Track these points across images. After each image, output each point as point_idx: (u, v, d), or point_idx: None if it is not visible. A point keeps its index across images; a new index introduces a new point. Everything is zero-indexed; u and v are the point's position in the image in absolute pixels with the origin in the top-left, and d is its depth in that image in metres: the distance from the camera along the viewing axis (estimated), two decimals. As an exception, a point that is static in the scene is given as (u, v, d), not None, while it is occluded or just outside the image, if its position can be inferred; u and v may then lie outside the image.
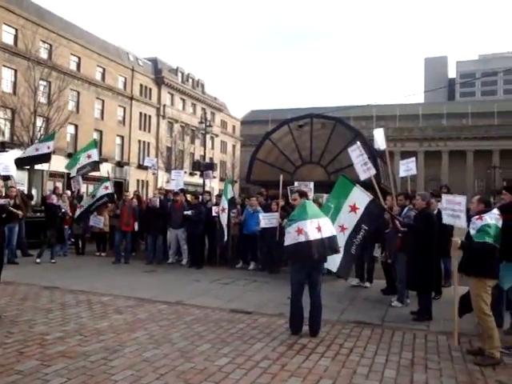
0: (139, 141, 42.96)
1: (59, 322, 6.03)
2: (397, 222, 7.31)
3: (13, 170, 12.66)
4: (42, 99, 27.62)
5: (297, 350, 5.18)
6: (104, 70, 38.29)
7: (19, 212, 8.27)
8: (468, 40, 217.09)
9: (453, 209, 4.99)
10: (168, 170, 46.44)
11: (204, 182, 13.68)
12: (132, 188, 39.94)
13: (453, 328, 5.58)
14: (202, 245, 11.32)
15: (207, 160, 41.27)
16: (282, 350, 5.18)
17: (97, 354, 4.76)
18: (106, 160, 37.38)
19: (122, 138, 41.00)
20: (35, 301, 7.22)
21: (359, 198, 6.99)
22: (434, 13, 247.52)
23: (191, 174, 44.37)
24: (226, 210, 10.78)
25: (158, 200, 11.41)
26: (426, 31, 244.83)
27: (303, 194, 6.22)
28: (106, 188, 12.17)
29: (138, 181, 42.43)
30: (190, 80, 51.12)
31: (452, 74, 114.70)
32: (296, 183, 10.81)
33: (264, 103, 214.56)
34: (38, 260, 10.94)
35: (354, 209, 7.04)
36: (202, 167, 34.69)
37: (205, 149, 38.62)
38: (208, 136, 47.89)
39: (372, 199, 6.98)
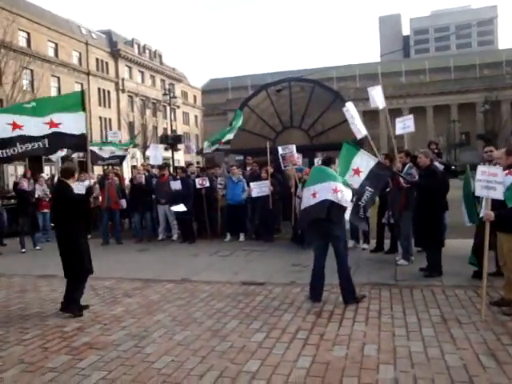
0: (100, 117, 41.47)
1: (70, 311, 5.74)
2: (401, 180, 7.28)
3: None
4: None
5: (327, 318, 5.11)
6: (56, 45, 36.39)
7: None
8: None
9: (487, 180, 4.85)
10: (133, 145, 45.34)
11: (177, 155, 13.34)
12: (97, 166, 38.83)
13: (480, 292, 5.39)
14: (190, 218, 11.02)
15: (171, 133, 40.37)
16: (312, 319, 5.10)
17: (126, 343, 4.54)
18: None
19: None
20: (36, 291, 6.87)
21: (363, 162, 6.82)
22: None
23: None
24: None
25: (143, 176, 11.01)
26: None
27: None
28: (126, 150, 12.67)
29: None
30: (147, 51, 49.41)
31: (406, 31, 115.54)
32: (279, 148, 10.59)
33: (223, 71, 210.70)
34: (23, 250, 10.44)
35: (356, 172, 6.86)
36: (170, 140, 34.07)
37: (171, 121, 37.69)
38: (169, 108, 46.88)
39: (377, 161, 6.85)
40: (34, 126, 5.67)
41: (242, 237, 10.69)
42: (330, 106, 13.17)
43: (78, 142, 5.91)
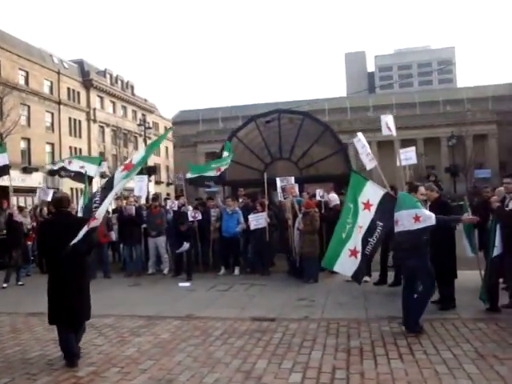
0: (70, 147, 40.49)
1: (78, 353, 5.29)
2: None
3: None
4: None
5: (358, 355, 4.89)
6: (27, 73, 35.67)
7: None
8: (384, 35, 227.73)
9: None
10: (103, 176, 44.46)
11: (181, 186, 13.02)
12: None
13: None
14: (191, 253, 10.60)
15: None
16: (343, 356, 4.87)
17: (154, 388, 4.17)
18: (36, 169, 35.01)
19: (52, 145, 38.48)
20: (31, 331, 6.35)
21: (372, 194, 6.64)
22: (352, 10, 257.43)
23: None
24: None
25: (133, 208, 10.62)
26: (345, 28, 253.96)
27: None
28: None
29: (71, 189, 40.10)
30: (119, 82, 49.08)
31: (371, 67, 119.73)
32: (278, 179, 10.48)
33: (192, 103, 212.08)
34: (5, 285, 9.79)
35: (367, 206, 6.68)
36: (144, 171, 33.53)
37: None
38: (141, 139, 46.42)
39: (385, 192, 6.73)
40: None
41: (236, 270, 10.38)
42: (320, 137, 13.25)
43: None
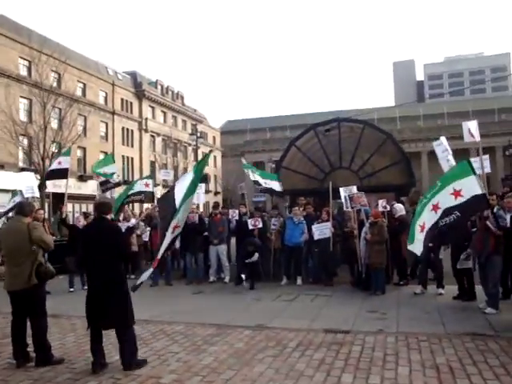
0: (123, 156, 41.75)
1: (156, 359, 5.31)
2: (489, 224, 6.88)
3: (36, 192, 11.84)
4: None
5: (448, 372, 4.67)
6: (85, 85, 37.10)
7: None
8: (433, 43, 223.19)
9: None
10: (156, 184, 45.45)
11: (243, 195, 13.15)
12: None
13: None
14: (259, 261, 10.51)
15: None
16: (432, 373, 4.66)
17: (242, 398, 4.09)
18: (91, 177, 36.14)
19: (106, 154, 39.71)
20: (105, 336, 6.42)
21: (469, 187, 6.36)
22: (401, 18, 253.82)
23: (164, 187, 43.62)
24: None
25: (197, 216, 10.69)
26: (394, 36, 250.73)
27: None
28: (147, 185, 11.37)
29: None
30: (170, 92, 50.24)
31: (420, 76, 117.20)
32: (341, 189, 10.28)
33: (239, 113, 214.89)
34: (72, 289, 10.05)
35: (456, 194, 6.45)
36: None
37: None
38: (190, 148, 47.25)
39: (483, 194, 6.37)
40: None
41: (299, 280, 10.21)
42: (381, 146, 12.94)
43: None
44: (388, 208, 10.36)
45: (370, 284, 9.09)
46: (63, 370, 4.95)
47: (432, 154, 56.14)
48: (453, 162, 7.17)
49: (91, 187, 35.03)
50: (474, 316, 7.05)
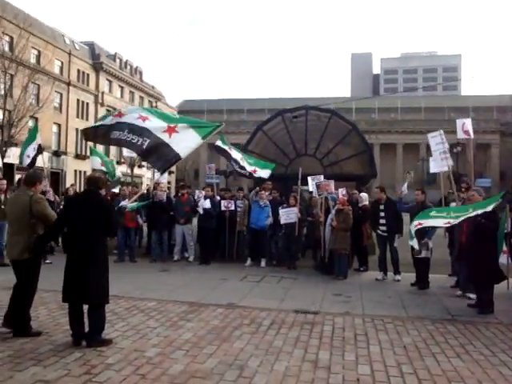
0: (76, 129, 40.33)
1: (135, 333, 5.37)
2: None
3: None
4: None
5: (415, 351, 5.00)
6: (39, 52, 35.45)
7: None
8: (391, 38, 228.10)
9: None
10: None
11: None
12: (70, 179, 37.67)
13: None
14: (213, 240, 10.73)
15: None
16: (402, 351, 5.00)
17: (229, 372, 4.26)
18: (43, 149, 34.84)
19: (59, 125, 38.42)
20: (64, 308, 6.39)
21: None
22: (360, 11, 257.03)
23: (118, 163, 42.97)
24: None
25: (164, 194, 10.68)
26: (354, 28, 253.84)
27: None
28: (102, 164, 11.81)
29: (75, 171, 40.09)
30: (128, 67, 48.94)
31: (376, 70, 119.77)
32: (309, 178, 10.57)
33: (196, 93, 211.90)
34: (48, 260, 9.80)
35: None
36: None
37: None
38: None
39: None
40: (156, 123, 5.54)
41: (263, 263, 10.47)
42: (346, 137, 13.32)
43: (168, 161, 5.61)
44: (347, 197, 10.73)
45: (332, 269, 9.45)
46: (43, 342, 4.93)
47: (384, 146, 57.76)
48: (448, 155, 7.50)
49: (42, 159, 33.80)
50: (432, 301, 7.54)
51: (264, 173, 11.09)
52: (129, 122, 5.61)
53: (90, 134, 6.16)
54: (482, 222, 6.77)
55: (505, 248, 7.76)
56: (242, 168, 10.76)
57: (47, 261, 10.13)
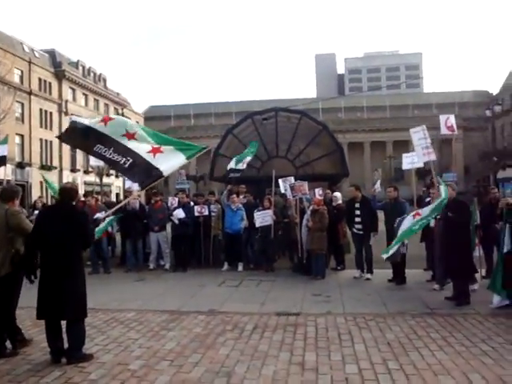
0: (41, 139, 39.43)
1: (117, 346, 5.24)
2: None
3: None
4: None
5: (399, 347, 5.06)
6: (-3, 61, 34.42)
7: None
8: (354, 38, 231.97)
9: None
10: (73, 170, 43.49)
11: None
12: (36, 191, 36.70)
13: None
14: (189, 246, 10.61)
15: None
16: (387, 348, 5.04)
17: (217, 380, 4.20)
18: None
19: (22, 136, 37.34)
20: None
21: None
22: (323, 12, 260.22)
23: (86, 172, 42.61)
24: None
25: (137, 202, 10.49)
26: (317, 30, 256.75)
27: None
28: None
29: (41, 183, 39.00)
30: (92, 74, 48.08)
31: (340, 69, 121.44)
32: (280, 180, 10.59)
33: (161, 99, 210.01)
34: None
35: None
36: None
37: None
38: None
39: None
40: (140, 143, 5.43)
41: (240, 267, 10.40)
42: (316, 137, 13.42)
43: (150, 177, 5.49)
44: (323, 196, 10.82)
45: (310, 269, 9.47)
46: (20, 362, 4.74)
47: (352, 145, 58.45)
48: (431, 150, 7.61)
49: (4, 171, 32.84)
50: (410, 296, 7.66)
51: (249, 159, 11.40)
52: (113, 137, 5.48)
53: (68, 131, 5.90)
54: (449, 216, 6.93)
55: (477, 240, 7.96)
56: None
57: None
